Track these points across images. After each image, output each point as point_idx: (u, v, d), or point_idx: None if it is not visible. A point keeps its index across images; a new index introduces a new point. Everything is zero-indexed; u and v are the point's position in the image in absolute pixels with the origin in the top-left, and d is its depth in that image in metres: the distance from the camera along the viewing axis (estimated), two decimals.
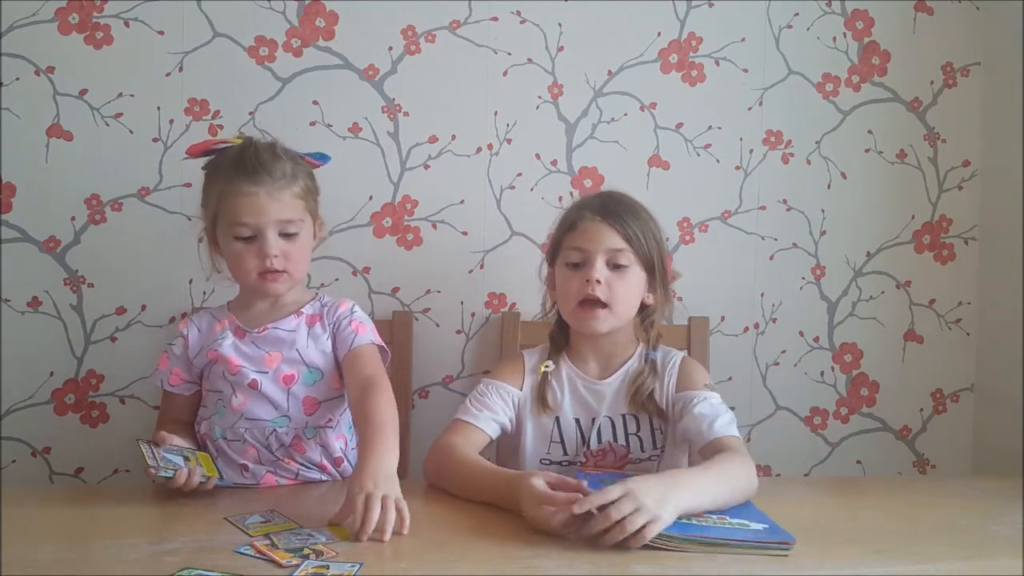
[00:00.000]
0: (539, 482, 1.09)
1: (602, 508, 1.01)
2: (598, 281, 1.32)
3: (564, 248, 1.38)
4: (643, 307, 1.40)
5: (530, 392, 1.40)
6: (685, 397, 1.35)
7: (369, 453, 1.16)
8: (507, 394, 1.39)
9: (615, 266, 1.34)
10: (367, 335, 1.39)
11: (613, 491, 1.02)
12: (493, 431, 1.35)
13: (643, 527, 1.00)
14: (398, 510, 1.05)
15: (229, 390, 1.33)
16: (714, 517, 1.10)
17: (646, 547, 1.01)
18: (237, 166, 1.30)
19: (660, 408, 1.37)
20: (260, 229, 1.30)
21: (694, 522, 1.07)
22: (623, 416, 1.38)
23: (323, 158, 1.42)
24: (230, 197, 1.30)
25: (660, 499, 1.03)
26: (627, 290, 1.35)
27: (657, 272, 1.38)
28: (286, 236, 1.32)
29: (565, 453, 1.38)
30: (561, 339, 1.45)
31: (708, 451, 1.27)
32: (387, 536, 1.03)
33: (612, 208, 1.36)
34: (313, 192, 1.38)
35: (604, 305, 1.33)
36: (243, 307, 1.40)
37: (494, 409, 1.36)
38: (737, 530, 1.06)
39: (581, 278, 1.34)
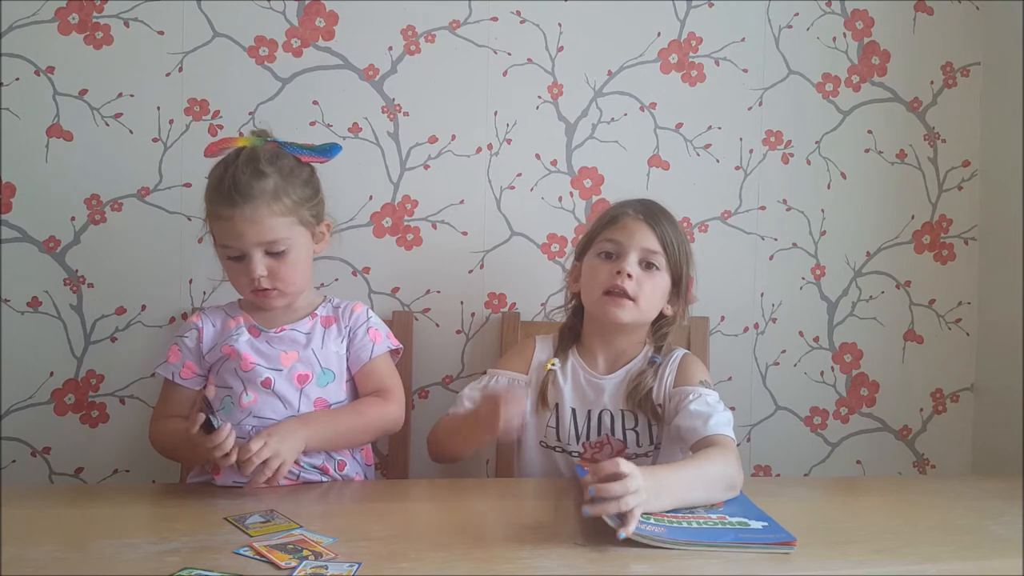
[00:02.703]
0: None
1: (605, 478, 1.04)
2: (629, 275, 1.34)
3: (599, 240, 1.40)
4: (660, 316, 1.42)
5: (535, 383, 1.42)
6: (680, 393, 1.35)
7: (308, 417, 1.30)
8: (506, 379, 1.42)
9: (647, 265, 1.36)
10: (383, 343, 1.42)
11: (624, 466, 1.03)
12: None
13: (631, 509, 1.01)
14: (274, 468, 1.19)
15: (240, 387, 1.33)
16: (714, 517, 1.10)
17: (647, 547, 1.01)
18: (217, 187, 1.29)
19: (655, 409, 1.37)
20: (244, 250, 1.30)
21: (695, 524, 1.07)
22: (622, 411, 1.39)
23: (331, 151, 1.37)
24: (213, 219, 1.31)
25: (654, 492, 1.06)
26: (654, 290, 1.37)
27: (681, 286, 1.40)
28: (273, 254, 1.31)
29: (559, 439, 1.39)
30: (571, 335, 1.46)
31: (698, 448, 1.27)
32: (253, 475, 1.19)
33: (654, 212, 1.39)
34: (308, 200, 1.34)
35: (631, 299, 1.35)
36: (255, 308, 1.39)
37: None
38: (737, 530, 1.06)
39: (612, 269, 1.35)
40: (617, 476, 1.02)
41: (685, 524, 1.07)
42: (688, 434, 1.30)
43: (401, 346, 1.47)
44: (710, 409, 1.30)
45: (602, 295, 1.36)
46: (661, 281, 1.37)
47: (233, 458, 1.18)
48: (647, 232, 1.36)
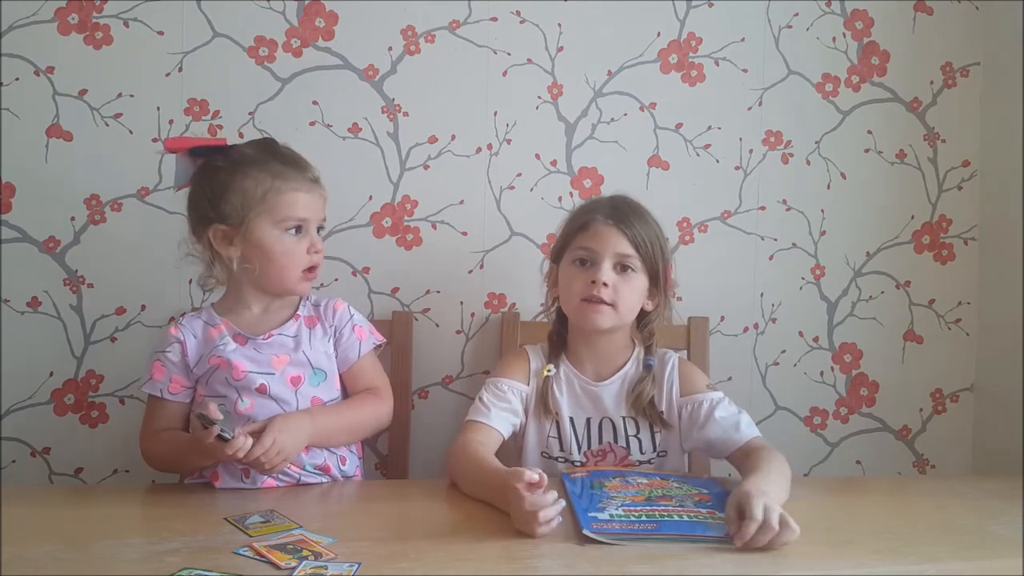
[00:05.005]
0: (522, 488, 1.04)
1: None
2: (604, 284, 1.33)
3: (572, 247, 1.39)
4: (642, 313, 1.42)
5: (534, 393, 1.41)
6: (694, 401, 1.36)
7: (314, 412, 1.31)
8: (516, 391, 1.39)
9: (622, 268, 1.36)
10: (368, 340, 1.43)
11: (757, 509, 1.02)
12: (506, 429, 1.36)
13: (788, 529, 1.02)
14: (272, 460, 1.21)
15: (234, 395, 1.32)
16: (703, 512, 1.11)
17: (642, 541, 1.01)
18: (287, 163, 1.34)
19: (660, 414, 1.38)
20: (308, 225, 1.34)
21: (685, 518, 1.08)
22: (623, 419, 1.39)
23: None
24: (287, 192, 1.32)
25: (775, 499, 1.08)
26: (631, 294, 1.36)
27: (660, 280, 1.39)
28: (319, 230, 1.39)
29: (562, 449, 1.39)
30: (559, 341, 1.45)
31: (739, 455, 1.30)
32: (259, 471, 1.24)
33: (623, 213, 1.38)
34: None
35: (609, 304, 1.34)
36: (234, 312, 1.38)
37: (504, 407, 1.36)
38: (720, 526, 1.06)
39: (587, 278, 1.35)
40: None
41: (676, 517, 1.08)
42: (721, 444, 1.33)
43: (384, 340, 1.48)
44: (732, 413, 1.34)
45: (580, 303, 1.36)
46: (638, 282, 1.37)
47: (252, 455, 1.19)
48: (619, 237, 1.35)
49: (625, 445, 1.38)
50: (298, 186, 1.33)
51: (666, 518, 1.08)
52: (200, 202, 1.35)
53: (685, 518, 1.08)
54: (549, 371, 1.41)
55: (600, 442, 1.38)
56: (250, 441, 1.18)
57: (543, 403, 1.39)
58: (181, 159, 1.36)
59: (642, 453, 1.38)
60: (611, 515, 1.09)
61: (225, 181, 1.32)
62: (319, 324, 1.40)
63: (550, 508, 1.03)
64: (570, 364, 1.43)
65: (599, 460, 1.38)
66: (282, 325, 1.37)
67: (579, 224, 1.39)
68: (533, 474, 1.05)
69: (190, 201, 1.37)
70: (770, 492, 1.09)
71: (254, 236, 1.32)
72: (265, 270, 1.34)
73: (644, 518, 1.08)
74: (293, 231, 1.33)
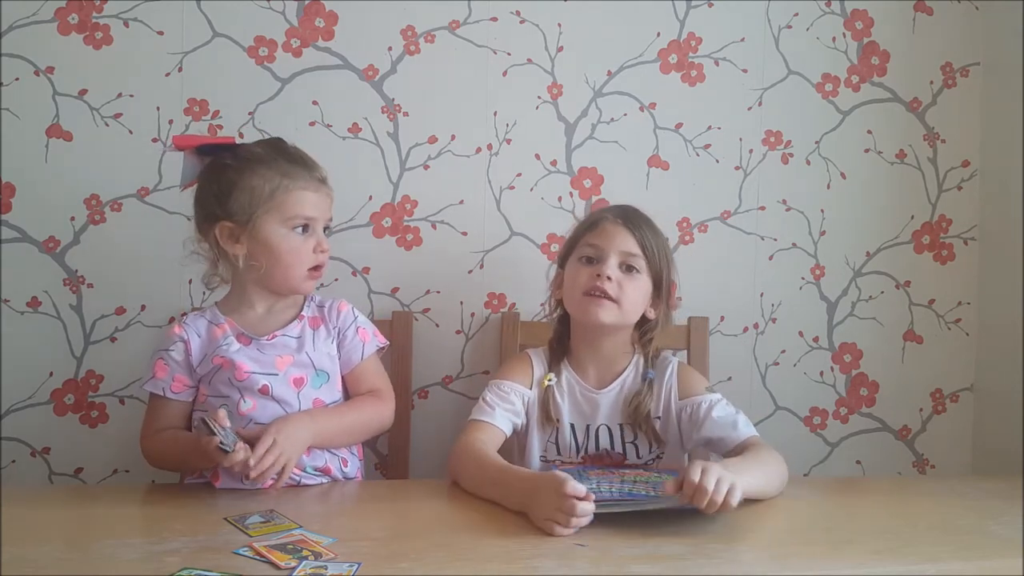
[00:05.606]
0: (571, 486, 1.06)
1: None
2: (609, 278, 1.34)
3: (580, 245, 1.40)
4: (644, 320, 1.42)
5: (536, 401, 1.41)
6: (693, 403, 1.37)
7: (315, 413, 1.31)
8: (518, 393, 1.39)
9: (627, 268, 1.37)
10: (372, 343, 1.43)
11: (694, 470, 1.07)
12: (508, 428, 1.37)
13: (730, 492, 1.06)
14: (281, 468, 1.21)
15: (237, 395, 1.31)
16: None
17: (605, 510, 1.03)
18: (295, 162, 1.34)
19: (655, 429, 1.38)
20: (315, 224, 1.35)
21: (642, 493, 1.14)
22: (620, 425, 1.39)
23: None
24: (295, 191, 1.32)
25: (731, 472, 1.10)
26: (635, 292, 1.37)
27: (663, 290, 1.40)
28: (325, 230, 1.39)
29: (559, 453, 1.40)
30: (561, 348, 1.46)
31: (736, 452, 1.31)
32: (262, 481, 1.21)
33: (632, 217, 1.40)
34: None
35: (612, 300, 1.35)
36: (238, 311, 1.38)
37: (507, 408, 1.37)
38: (674, 499, 1.10)
39: (592, 272, 1.36)
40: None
41: (644, 493, 1.14)
42: (719, 442, 1.34)
43: (388, 343, 1.48)
44: (730, 414, 1.35)
45: (582, 296, 1.36)
46: (642, 284, 1.38)
47: (251, 472, 1.18)
48: (626, 236, 1.37)
49: (622, 451, 1.39)
50: (306, 185, 1.33)
51: (633, 492, 1.14)
52: (207, 199, 1.34)
53: (652, 494, 1.13)
54: (550, 380, 1.41)
55: (597, 448, 1.39)
56: (249, 453, 1.17)
57: (544, 411, 1.40)
58: (188, 157, 1.36)
59: (638, 457, 1.39)
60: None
61: (233, 179, 1.32)
62: (323, 325, 1.39)
63: (587, 503, 1.06)
64: (572, 370, 1.43)
65: (595, 464, 1.38)
66: (286, 326, 1.37)
67: (587, 224, 1.42)
68: (581, 488, 1.06)
69: (197, 198, 1.37)
70: (738, 474, 1.10)
71: (261, 234, 1.32)
72: (271, 268, 1.34)
73: (615, 492, 1.14)
74: (300, 230, 1.34)
